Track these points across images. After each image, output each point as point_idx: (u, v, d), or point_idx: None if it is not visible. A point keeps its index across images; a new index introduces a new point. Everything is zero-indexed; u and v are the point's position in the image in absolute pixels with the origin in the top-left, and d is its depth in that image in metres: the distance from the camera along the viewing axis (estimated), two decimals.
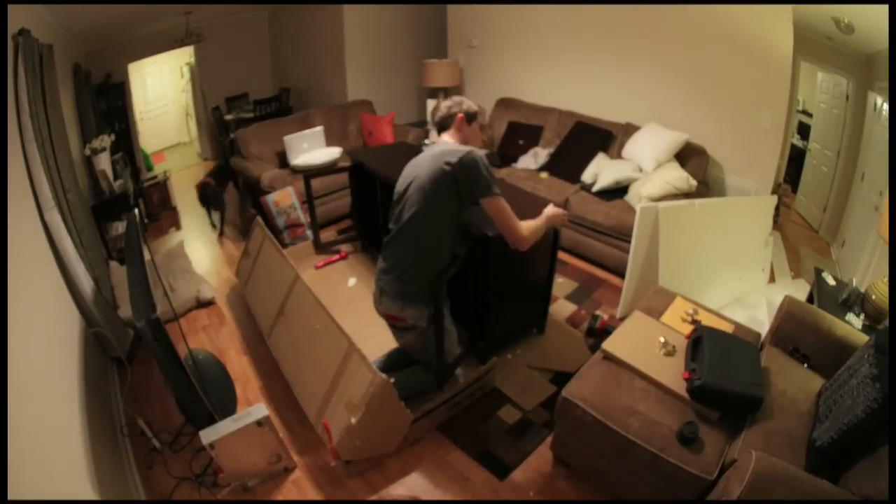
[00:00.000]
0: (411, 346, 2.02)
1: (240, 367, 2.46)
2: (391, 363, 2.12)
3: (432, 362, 2.03)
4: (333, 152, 3.84)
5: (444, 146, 1.79)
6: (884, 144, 2.73)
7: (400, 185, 1.84)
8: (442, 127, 1.89)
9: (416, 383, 2.06)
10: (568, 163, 3.69)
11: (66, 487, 1.35)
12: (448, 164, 1.67)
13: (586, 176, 3.52)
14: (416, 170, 1.78)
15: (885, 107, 2.76)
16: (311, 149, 3.86)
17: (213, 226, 4.00)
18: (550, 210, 2.01)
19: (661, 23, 3.46)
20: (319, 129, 3.94)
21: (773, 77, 3.04)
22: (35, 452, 1.27)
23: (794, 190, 4.03)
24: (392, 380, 1.76)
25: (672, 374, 1.69)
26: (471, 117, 1.86)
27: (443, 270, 1.81)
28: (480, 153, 1.73)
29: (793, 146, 3.81)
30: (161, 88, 6.16)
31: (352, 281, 3.09)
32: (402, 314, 1.85)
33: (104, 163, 3.64)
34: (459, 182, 1.68)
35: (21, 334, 1.43)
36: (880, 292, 1.95)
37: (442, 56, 4.97)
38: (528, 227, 1.83)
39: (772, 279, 3.06)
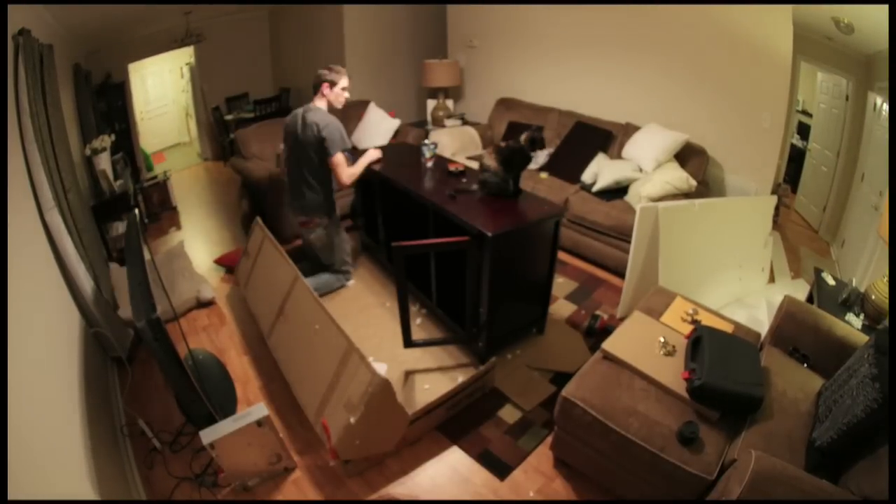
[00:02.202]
0: (320, 244, 2.80)
1: (240, 367, 2.47)
2: (309, 271, 2.87)
3: (334, 260, 2.88)
4: None
5: (314, 115, 2.49)
6: (884, 144, 2.73)
7: (286, 136, 2.64)
8: (314, 89, 2.56)
9: (326, 282, 2.88)
10: (568, 163, 3.69)
11: (66, 487, 1.35)
12: (319, 134, 2.46)
13: (586, 176, 3.52)
14: (296, 128, 2.54)
15: (885, 107, 2.75)
16: None
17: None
18: (368, 156, 2.73)
19: (661, 23, 3.46)
20: None
21: (772, 77, 3.05)
22: (35, 452, 1.27)
23: (794, 190, 4.03)
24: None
25: (672, 374, 1.69)
26: (333, 84, 2.53)
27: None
28: (335, 125, 2.48)
29: (792, 146, 3.81)
30: (161, 88, 6.15)
31: (351, 281, 3.08)
32: (310, 219, 2.73)
33: (104, 163, 3.64)
34: (324, 144, 2.50)
35: (21, 334, 1.43)
36: (880, 292, 1.95)
37: (442, 56, 4.97)
38: (350, 173, 2.59)
39: (771, 279, 3.06)
